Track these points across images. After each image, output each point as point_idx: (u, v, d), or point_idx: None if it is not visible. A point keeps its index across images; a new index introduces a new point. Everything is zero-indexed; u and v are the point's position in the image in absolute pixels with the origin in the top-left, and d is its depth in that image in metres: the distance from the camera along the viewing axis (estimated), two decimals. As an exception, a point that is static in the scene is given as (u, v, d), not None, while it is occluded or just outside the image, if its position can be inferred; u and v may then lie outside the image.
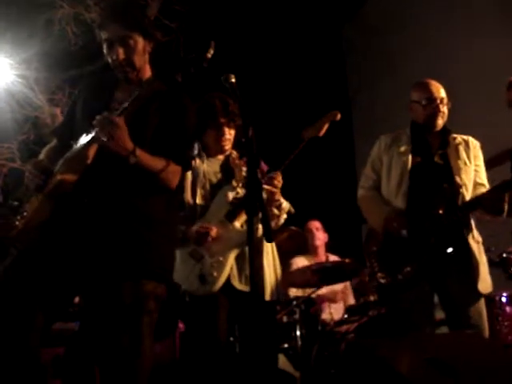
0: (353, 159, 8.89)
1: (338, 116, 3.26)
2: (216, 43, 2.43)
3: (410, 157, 3.30)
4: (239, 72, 2.37)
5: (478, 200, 3.13)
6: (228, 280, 3.11)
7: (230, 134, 3.35)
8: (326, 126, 3.22)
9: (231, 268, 3.13)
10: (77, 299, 2.75)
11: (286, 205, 3.33)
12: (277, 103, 7.64)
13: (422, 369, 2.36)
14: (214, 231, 3.12)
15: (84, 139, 2.30)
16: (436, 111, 3.30)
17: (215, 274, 3.07)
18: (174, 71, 2.32)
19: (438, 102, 3.31)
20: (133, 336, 2.24)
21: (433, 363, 2.36)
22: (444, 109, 3.32)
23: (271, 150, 3.12)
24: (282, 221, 3.37)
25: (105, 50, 2.43)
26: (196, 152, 3.40)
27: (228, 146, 3.38)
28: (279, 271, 3.35)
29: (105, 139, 2.22)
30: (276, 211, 3.26)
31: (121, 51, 2.38)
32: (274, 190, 3.16)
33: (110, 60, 2.43)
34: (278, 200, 3.24)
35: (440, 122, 3.32)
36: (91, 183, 2.30)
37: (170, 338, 4.21)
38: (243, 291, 3.12)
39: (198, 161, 3.35)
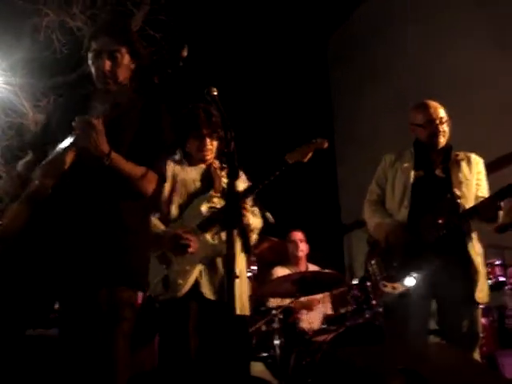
0: (334, 168, 8.96)
1: (326, 145, 3.28)
2: (197, 51, 2.47)
3: (412, 171, 3.45)
4: (221, 83, 2.41)
5: (475, 208, 3.25)
6: (195, 287, 3.11)
7: (211, 144, 3.37)
8: (311, 153, 3.23)
9: (200, 276, 3.13)
10: (57, 305, 2.77)
11: (256, 224, 3.35)
12: (259, 114, 7.68)
13: (397, 379, 2.40)
14: (194, 245, 3.11)
15: (62, 144, 2.33)
16: (436, 131, 3.42)
17: (180, 281, 3.07)
18: (150, 74, 2.35)
19: (438, 122, 3.43)
20: (108, 343, 2.26)
21: (406, 373, 2.41)
22: (444, 127, 3.44)
23: (251, 159, 3.14)
24: (253, 240, 3.39)
25: (90, 59, 2.50)
26: (177, 158, 3.44)
27: (209, 156, 3.40)
28: (246, 283, 3.36)
29: (81, 140, 2.26)
30: None
31: (108, 63, 2.45)
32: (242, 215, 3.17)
33: (93, 68, 2.50)
34: (247, 222, 3.24)
35: (442, 140, 3.45)
36: (68, 189, 2.33)
37: (151, 345, 4.22)
38: (211, 300, 3.13)
39: (178, 168, 3.37)
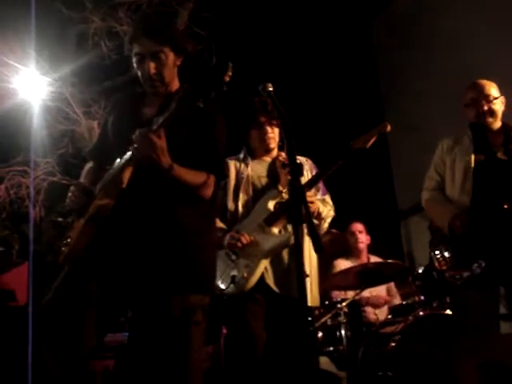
0: (387, 156, 8.81)
1: (388, 127, 3.25)
2: (244, 44, 2.41)
3: (472, 155, 3.32)
4: (267, 73, 2.34)
5: None
6: (261, 280, 3.12)
7: (273, 132, 3.36)
8: (374, 138, 3.22)
9: (266, 269, 3.15)
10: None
11: (327, 213, 3.34)
12: (307, 102, 7.60)
13: (477, 373, 2.34)
14: (245, 239, 3.13)
15: (119, 162, 2.33)
16: (481, 110, 3.31)
17: (245, 275, 3.09)
18: (195, 97, 2.28)
19: (483, 100, 3.31)
20: (181, 347, 2.27)
21: (488, 367, 2.34)
22: (491, 105, 3.32)
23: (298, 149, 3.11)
24: (324, 229, 3.39)
25: (135, 64, 2.45)
26: (242, 156, 3.42)
27: (273, 144, 3.39)
28: (315, 276, 3.33)
29: (141, 154, 2.24)
30: (315, 221, 3.24)
31: (152, 65, 2.40)
32: (309, 205, 3.14)
33: (139, 73, 2.46)
34: (315, 212, 3.23)
35: (490, 119, 3.33)
36: (129, 204, 2.34)
37: (215, 344, 4.24)
38: (277, 293, 3.14)
39: (242, 165, 3.36)
